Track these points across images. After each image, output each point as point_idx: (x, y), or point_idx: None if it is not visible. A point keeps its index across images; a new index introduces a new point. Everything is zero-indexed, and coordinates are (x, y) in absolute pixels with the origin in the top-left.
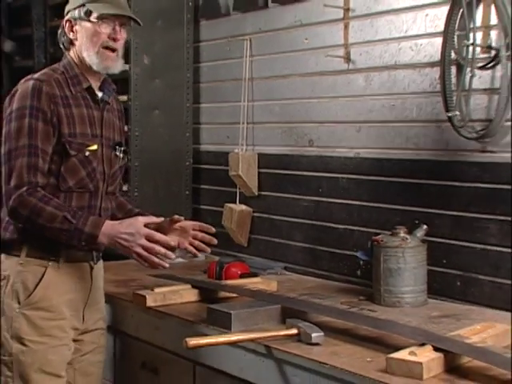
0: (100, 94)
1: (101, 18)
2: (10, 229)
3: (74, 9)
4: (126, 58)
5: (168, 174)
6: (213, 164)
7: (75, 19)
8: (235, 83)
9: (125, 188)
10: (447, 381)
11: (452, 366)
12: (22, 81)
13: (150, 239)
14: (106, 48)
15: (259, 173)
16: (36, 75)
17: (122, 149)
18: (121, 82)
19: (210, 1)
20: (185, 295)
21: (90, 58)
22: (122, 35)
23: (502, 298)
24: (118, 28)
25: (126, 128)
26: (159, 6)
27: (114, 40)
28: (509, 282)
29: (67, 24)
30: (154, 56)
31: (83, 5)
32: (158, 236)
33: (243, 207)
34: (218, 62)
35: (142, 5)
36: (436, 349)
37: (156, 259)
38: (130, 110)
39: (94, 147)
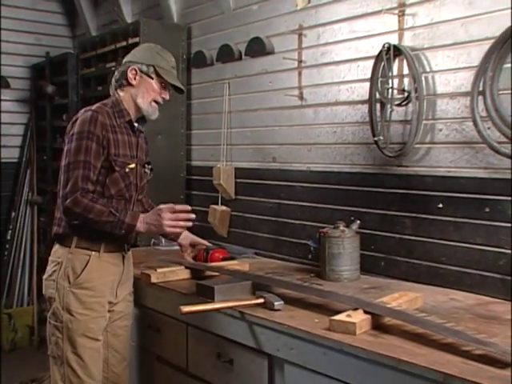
0: (136, 125)
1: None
2: (62, 225)
3: (143, 64)
4: None
5: (168, 182)
6: (201, 175)
7: (142, 71)
8: (217, 115)
9: None
10: (373, 335)
11: (377, 324)
12: (82, 111)
13: (172, 212)
14: (155, 102)
15: (236, 182)
16: (93, 107)
17: (150, 167)
18: None
19: (199, 54)
20: (180, 274)
21: (143, 105)
22: (168, 96)
23: (414, 274)
24: (168, 91)
25: None
26: None
27: (163, 98)
28: (418, 261)
29: (132, 71)
30: None
31: (153, 66)
32: (178, 206)
33: (224, 208)
34: (204, 100)
35: None
36: (365, 312)
37: (182, 223)
38: None
39: (133, 165)
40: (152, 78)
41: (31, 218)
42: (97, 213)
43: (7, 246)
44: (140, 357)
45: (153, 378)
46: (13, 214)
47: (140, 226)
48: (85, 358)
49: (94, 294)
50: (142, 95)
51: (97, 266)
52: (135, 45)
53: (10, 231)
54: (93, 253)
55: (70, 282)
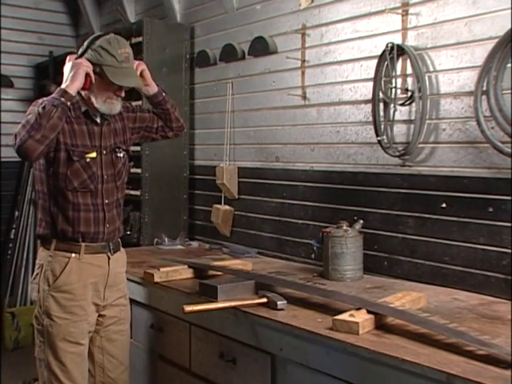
0: (99, 113)
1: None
2: (42, 225)
3: (92, 63)
4: (140, 95)
5: (170, 182)
6: (204, 175)
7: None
8: (221, 114)
9: (138, 193)
10: (376, 335)
11: (380, 324)
12: None
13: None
14: (110, 98)
15: (239, 181)
16: None
17: (123, 148)
18: None
19: (202, 54)
20: (183, 273)
21: (98, 104)
22: (123, 92)
23: (416, 273)
24: (122, 87)
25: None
26: (164, 57)
27: (118, 95)
28: (421, 261)
29: None
30: None
31: (100, 65)
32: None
33: (227, 207)
34: (208, 99)
35: (151, 57)
36: (369, 311)
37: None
38: None
39: (93, 155)
40: (102, 77)
41: (34, 217)
42: (39, 117)
43: (10, 245)
44: (143, 356)
45: (156, 378)
46: (16, 213)
47: (68, 85)
48: (66, 362)
49: (74, 297)
50: (95, 95)
51: (76, 269)
52: (138, 44)
53: (13, 230)
54: (73, 255)
55: (49, 285)
